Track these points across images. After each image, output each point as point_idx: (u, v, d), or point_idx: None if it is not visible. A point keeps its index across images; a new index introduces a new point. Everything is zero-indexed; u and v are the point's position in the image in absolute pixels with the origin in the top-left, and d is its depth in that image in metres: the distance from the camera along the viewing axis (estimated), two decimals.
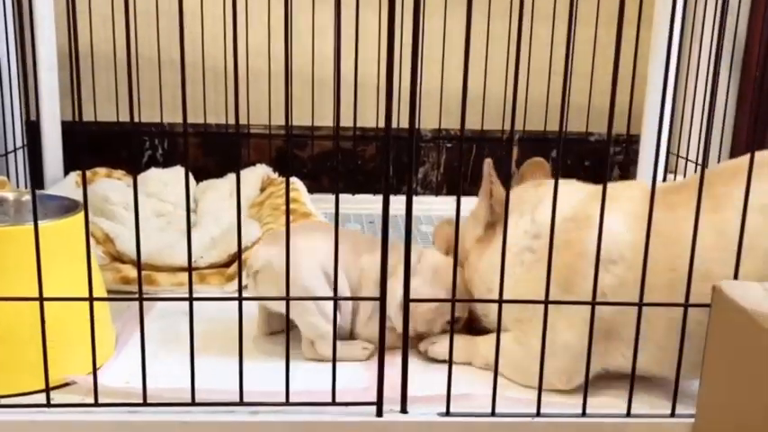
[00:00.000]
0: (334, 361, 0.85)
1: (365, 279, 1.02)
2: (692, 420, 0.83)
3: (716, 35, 1.58)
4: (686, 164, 1.68)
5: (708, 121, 0.89)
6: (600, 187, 0.85)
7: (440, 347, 1.01)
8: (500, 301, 0.85)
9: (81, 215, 0.91)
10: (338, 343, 0.93)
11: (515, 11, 1.76)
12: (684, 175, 1.68)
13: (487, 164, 1.02)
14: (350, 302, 1.02)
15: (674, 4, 0.86)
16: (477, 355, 1.00)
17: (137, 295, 0.84)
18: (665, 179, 1.73)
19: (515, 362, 0.94)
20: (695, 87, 1.64)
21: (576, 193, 0.97)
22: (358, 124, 1.83)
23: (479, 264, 1.02)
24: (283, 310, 0.93)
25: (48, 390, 0.84)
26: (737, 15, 1.62)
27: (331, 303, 0.94)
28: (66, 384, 0.92)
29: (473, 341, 1.01)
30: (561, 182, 0.84)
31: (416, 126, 0.80)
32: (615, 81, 0.81)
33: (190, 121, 1.89)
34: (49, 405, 0.84)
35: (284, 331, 0.90)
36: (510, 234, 0.88)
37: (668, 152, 1.75)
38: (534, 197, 1.00)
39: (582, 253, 0.89)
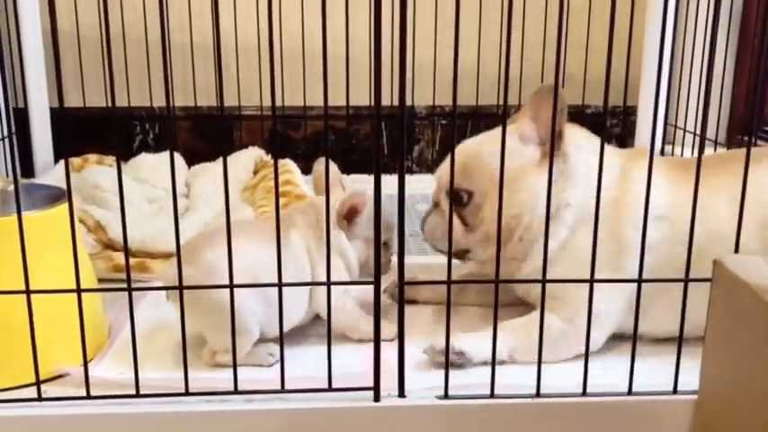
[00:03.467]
0: (329, 347, 0.84)
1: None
2: (695, 397, 0.82)
3: (713, 2, 1.55)
4: (684, 134, 1.66)
5: (705, 91, 0.87)
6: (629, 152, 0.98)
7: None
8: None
9: (68, 204, 0.89)
10: (245, 349, 0.92)
11: None
12: (682, 146, 1.66)
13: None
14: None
15: None
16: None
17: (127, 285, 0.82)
18: (662, 150, 1.71)
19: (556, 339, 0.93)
20: (692, 57, 1.61)
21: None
22: (351, 102, 1.81)
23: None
24: (203, 329, 0.93)
25: (38, 383, 0.83)
26: None
27: (252, 315, 0.92)
28: (60, 376, 0.90)
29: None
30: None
31: (406, 105, 0.78)
32: (610, 52, 0.79)
33: (180, 103, 1.87)
34: (40, 399, 0.83)
35: None
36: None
37: (666, 123, 1.73)
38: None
39: (630, 217, 0.93)
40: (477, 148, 0.99)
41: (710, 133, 1.58)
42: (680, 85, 1.67)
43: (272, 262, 0.82)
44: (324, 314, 0.97)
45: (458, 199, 0.99)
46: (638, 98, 1.81)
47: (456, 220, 1.00)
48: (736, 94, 1.64)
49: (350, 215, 1.01)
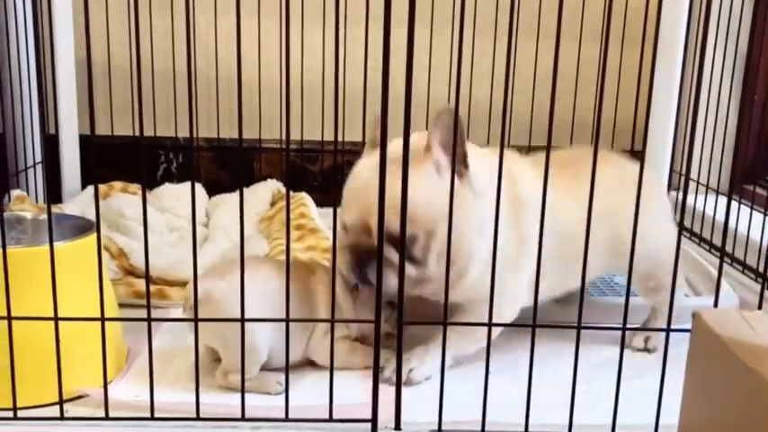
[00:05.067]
0: (331, 379, 0.89)
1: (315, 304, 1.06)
2: None
3: (719, 56, 1.60)
4: (687, 182, 1.70)
5: (690, 139, 0.92)
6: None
7: (421, 371, 1.05)
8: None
9: (95, 236, 0.96)
10: (253, 375, 0.98)
11: (522, 26, 1.80)
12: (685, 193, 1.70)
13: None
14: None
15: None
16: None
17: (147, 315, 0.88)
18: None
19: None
20: (696, 104, 1.66)
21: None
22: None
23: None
24: (217, 346, 1.00)
25: (61, 403, 0.89)
26: (738, 34, 1.64)
27: (265, 339, 0.99)
28: (80, 397, 0.97)
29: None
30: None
31: (409, 141, 0.84)
32: (601, 100, 0.85)
33: (203, 134, 1.95)
34: (62, 418, 0.90)
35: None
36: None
37: (671, 170, 1.77)
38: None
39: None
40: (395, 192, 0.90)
41: (713, 182, 1.63)
42: (685, 132, 1.72)
43: (291, 297, 0.89)
44: (317, 359, 1.06)
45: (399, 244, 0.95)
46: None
47: (408, 267, 0.98)
48: (741, 140, 1.68)
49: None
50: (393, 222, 0.89)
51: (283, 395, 0.91)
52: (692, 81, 1.69)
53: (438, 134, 0.98)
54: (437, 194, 0.93)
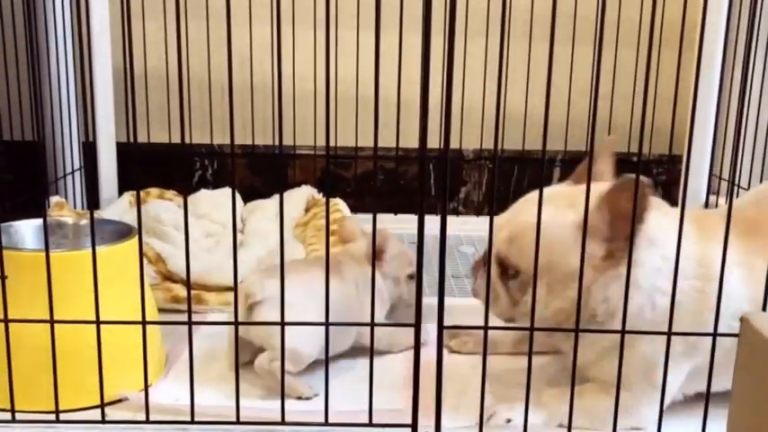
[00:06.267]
0: (371, 383, 0.89)
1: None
2: None
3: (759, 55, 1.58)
4: (729, 185, 1.68)
5: (734, 142, 0.91)
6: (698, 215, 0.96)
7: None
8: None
9: (135, 240, 0.96)
10: (287, 375, 0.95)
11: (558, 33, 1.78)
12: (726, 197, 1.67)
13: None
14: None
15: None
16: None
17: (186, 313, 0.89)
18: (707, 200, 1.73)
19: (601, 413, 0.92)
20: (739, 107, 1.63)
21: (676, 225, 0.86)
22: (401, 144, 1.87)
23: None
24: (268, 346, 0.98)
25: (102, 406, 0.90)
26: None
27: (319, 336, 0.96)
28: (120, 401, 0.97)
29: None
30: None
31: (449, 147, 0.83)
32: (645, 105, 0.83)
33: (238, 141, 1.96)
34: (104, 421, 0.90)
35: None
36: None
37: (710, 174, 1.74)
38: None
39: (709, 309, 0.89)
40: (530, 224, 0.86)
41: (755, 185, 1.59)
42: (725, 134, 1.69)
43: (337, 294, 0.91)
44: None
45: (505, 270, 0.97)
46: (684, 147, 1.83)
47: (503, 291, 0.97)
48: None
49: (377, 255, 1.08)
50: (507, 249, 0.95)
51: (323, 399, 0.90)
52: (731, 83, 1.66)
53: (606, 201, 0.90)
54: (565, 252, 0.90)
